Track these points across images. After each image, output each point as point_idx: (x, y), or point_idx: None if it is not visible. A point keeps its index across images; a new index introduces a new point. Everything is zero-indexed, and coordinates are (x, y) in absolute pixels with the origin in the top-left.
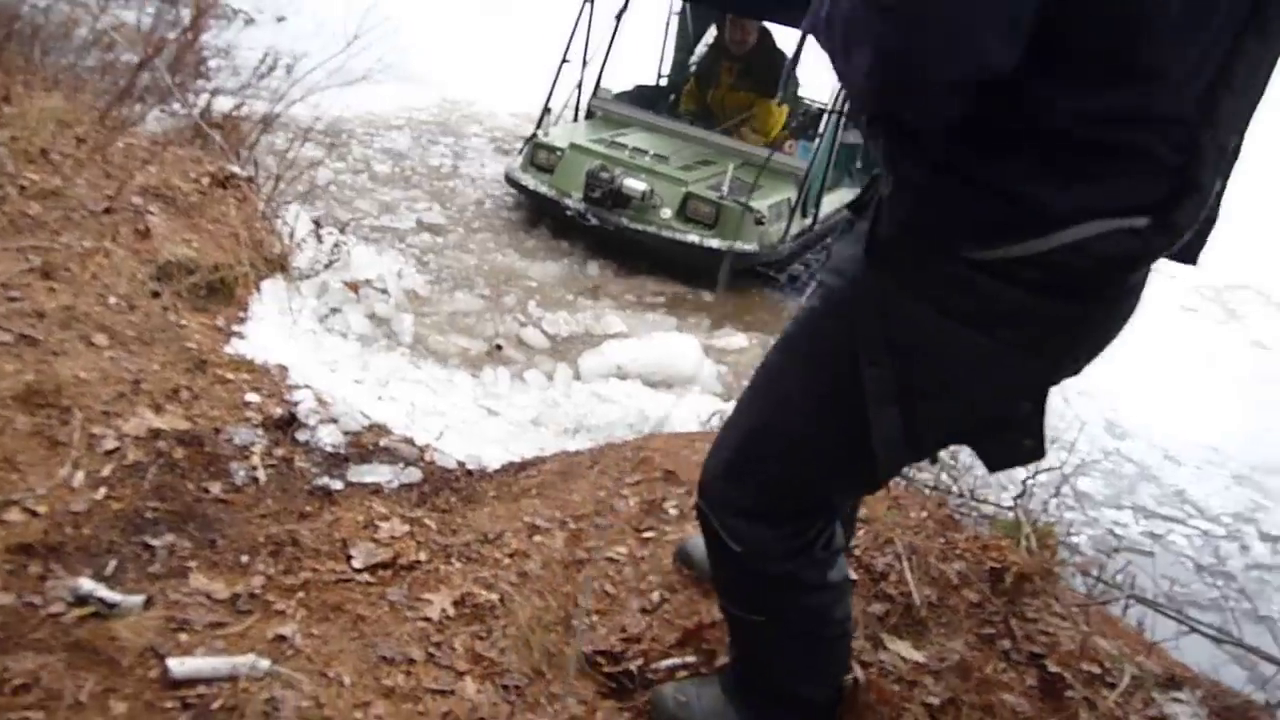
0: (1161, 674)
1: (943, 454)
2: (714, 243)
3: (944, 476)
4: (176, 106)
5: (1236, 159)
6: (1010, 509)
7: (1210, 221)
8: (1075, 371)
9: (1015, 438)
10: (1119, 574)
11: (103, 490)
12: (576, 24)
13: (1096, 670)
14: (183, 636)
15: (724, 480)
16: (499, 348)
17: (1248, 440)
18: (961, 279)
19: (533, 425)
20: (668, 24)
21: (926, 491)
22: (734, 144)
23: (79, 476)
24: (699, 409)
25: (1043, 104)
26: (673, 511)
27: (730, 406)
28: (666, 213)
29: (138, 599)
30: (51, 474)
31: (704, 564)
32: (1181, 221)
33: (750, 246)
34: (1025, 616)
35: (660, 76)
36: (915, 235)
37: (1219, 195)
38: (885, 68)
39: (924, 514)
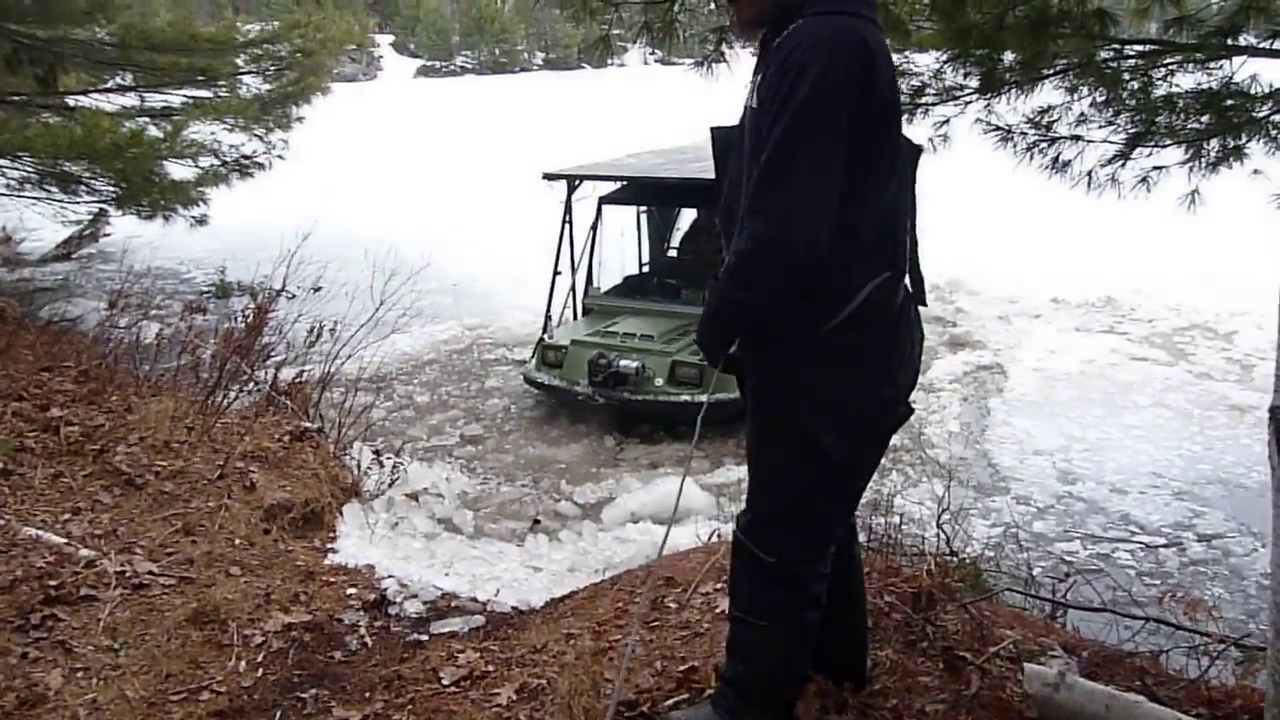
0: (1050, 644)
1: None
2: (703, 397)
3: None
4: (253, 385)
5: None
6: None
7: (918, 276)
8: (909, 370)
9: (900, 411)
10: (1067, 592)
11: (261, 670)
12: (560, 241)
13: (992, 649)
14: None
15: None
16: (537, 522)
17: (1188, 461)
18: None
19: (569, 573)
20: (638, 221)
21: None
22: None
23: (242, 665)
24: (700, 532)
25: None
26: (672, 605)
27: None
28: (659, 381)
29: None
30: (224, 665)
31: None
32: (900, 267)
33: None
34: (935, 622)
35: (642, 265)
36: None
37: (913, 257)
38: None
39: (867, 569)
